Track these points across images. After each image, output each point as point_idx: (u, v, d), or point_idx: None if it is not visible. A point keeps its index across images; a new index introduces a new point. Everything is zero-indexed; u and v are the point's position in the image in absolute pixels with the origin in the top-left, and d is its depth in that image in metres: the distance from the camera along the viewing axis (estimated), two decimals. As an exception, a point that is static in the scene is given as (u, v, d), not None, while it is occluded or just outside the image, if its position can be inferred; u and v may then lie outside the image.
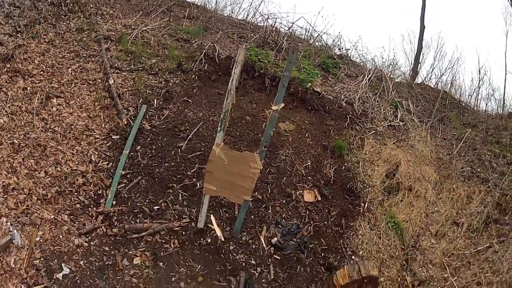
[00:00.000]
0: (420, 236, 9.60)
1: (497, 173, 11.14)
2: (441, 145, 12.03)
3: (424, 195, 10.28)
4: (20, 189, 7.74)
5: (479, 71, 16.65)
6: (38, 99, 9.23)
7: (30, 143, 8.47)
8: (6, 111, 8.78)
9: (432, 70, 18.88)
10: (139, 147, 9.16)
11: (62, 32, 11.21)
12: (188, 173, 8.87)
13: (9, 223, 7.20)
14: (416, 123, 12.36)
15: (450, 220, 9.98)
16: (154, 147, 9.22)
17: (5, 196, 7.52)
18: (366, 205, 9.69)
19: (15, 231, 7.08)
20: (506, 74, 17.38)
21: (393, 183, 10.32)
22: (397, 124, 11.90)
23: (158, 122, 9.72)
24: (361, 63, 14.79)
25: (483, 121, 13.59)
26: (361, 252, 8.91)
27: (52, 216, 7.63)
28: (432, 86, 15.87)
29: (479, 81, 16.26)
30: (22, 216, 7.43)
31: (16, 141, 8.40)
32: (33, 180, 7.99)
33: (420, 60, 19.68)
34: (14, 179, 7.83)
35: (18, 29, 10.59)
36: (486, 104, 16.28)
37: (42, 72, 9.92)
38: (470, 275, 8.79)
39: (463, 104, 14.90)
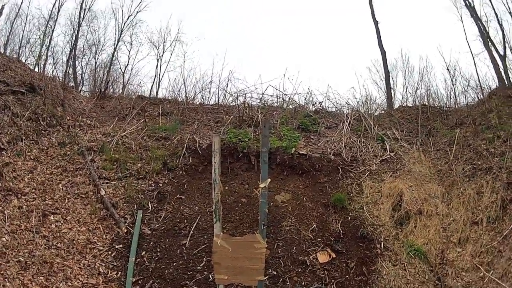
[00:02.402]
0: (444, 251, 10.12)
1: (497, 156, 11.72)
2: (436, 157, 13.16)
3: (436, 212, 10.99)
4: (36, 306, 8.45)
5: (448, 69, 18.21)
6: (35, 217, 10.14)
7: (36, 261, 9.22)
8: (6, 230, 9.55)
9: (406, 89, 20.34)
10: (144, 252, 10.07)
11: (45, 148, 12.49)
12: (198, 267, 9.74)
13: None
14: (406, 147, 13.62)
15: (468, 223, 10.47)
16: (158, 249, 10.17)
17: (20, 313, 8.19)
18: (382, 245, 10.34)
19: None
20: (474, 58, 18.24)
21: (402, 213, 11.04)
22: (389, 156, 13.09)
23: (157, 225, 10.78)
24: (337, 111, 16.48)
25: (467, 115, 14.59)
26: (392, 290, 9.59)
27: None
28: (411, 105, 17.41)
29: (452, 78, 17.89)
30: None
31: (22, 259, 9.11)
32: (47, 296, 8.72)
33: (391, 85, 20.53)
34: (28, 296, 8.54)
35: (2, 147, 11.64)
36: (466, 97, 17.48)
37: (34, 190, 10.95)
38: (505, 261, 9.09)
39: (444, 108, 16.33)
